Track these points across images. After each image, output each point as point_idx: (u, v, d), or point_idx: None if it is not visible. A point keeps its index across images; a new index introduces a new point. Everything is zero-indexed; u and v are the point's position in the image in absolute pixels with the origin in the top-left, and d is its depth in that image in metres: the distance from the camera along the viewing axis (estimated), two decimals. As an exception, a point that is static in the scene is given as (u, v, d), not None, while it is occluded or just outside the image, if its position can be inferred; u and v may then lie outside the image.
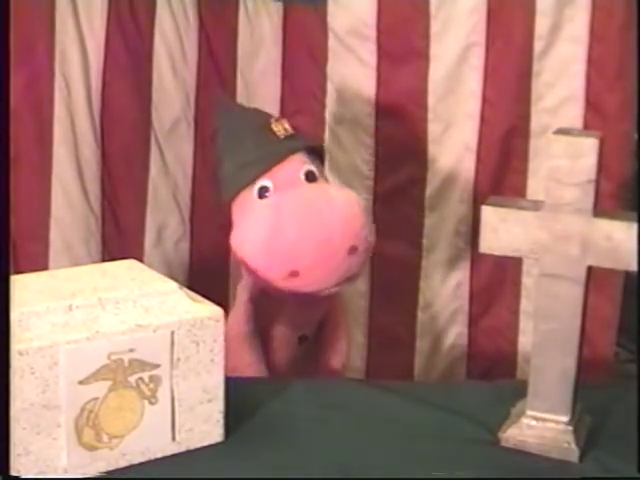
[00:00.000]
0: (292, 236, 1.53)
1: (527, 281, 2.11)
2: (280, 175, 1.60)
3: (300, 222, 1.54)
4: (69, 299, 1.16)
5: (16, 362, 1.07)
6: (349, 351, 1.83)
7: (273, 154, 1.61)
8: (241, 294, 1.69)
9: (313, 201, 1.57)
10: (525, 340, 2.12)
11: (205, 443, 1.23)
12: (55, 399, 1.11)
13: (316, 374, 1.74)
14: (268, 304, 1.66)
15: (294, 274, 1.53)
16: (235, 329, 1.61)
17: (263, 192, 1.59)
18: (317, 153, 1.70)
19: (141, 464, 1.19)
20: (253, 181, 1.60)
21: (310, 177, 1.61)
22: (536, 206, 1.23)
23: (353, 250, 1.54)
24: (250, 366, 1.62)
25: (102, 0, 2.01)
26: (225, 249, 1.61)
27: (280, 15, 2.12)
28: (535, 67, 2.03)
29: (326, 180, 1.69)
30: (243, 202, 1.62)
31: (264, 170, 1.60)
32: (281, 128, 1.62)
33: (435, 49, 2.05)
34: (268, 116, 1.68)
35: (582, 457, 1.24)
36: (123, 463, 1.18)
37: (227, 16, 2.12)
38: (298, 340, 1.72)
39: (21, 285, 1.17)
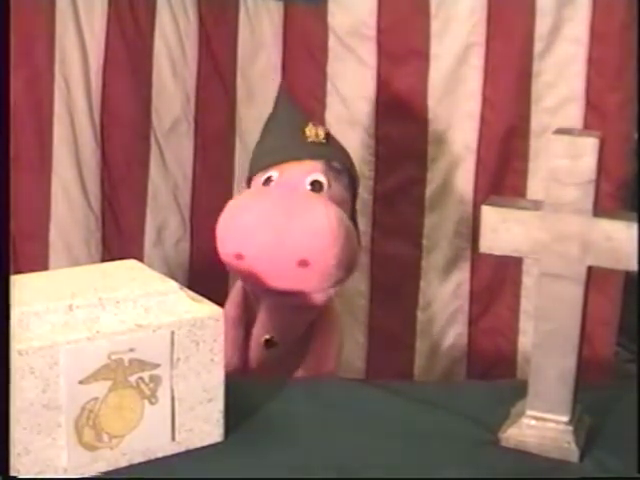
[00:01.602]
0: (249, 220, 1.53)
1: (527, 281, 2.11)
2: (288, 172, 1.60)
3: (265, 212, 1.54)
4: (69, 299, 1.16)
5: (16, 362, 1.07)
6: (336, 369, 1.76)
7: (290, 151, 1.62)
8: (238, 281, 1.71)
9: (291, 202, 1.55)
10: (525, 340, 2.12)
11: (205, 443, 1.23)
12: (55, 399, 1.11)
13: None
14: (251, 296, 1.67)
15: (240, 257, 1.52)
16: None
17: (267, 182, 1.61)
18: (349, 176, 1.67)
19: (141, 464, 1.19)
20: (264, 169, 1.62)
21: (315, 186, 1.59)
22: (536, 206, 1.23)
23: (303, 264, 1.49)
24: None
25: (102, 0, 2.01)
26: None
27: (280, 15, 2.11)
28: (535, 67, 2.03)
29: (337, 200, 1.60)
30: (253, 185, 1.66)
31: (275, 163, 1.61)
32: (313, 133, 1.62)
33: (435, 49, 2.05)
34: (309, 119, 1.67)
35: (582, 457, 1.24)
36: (123, 463, 1.18)
37: (227, 16, 2.12)
38: (264, 343, 1.68)
39: (21, 285, 1.17)
